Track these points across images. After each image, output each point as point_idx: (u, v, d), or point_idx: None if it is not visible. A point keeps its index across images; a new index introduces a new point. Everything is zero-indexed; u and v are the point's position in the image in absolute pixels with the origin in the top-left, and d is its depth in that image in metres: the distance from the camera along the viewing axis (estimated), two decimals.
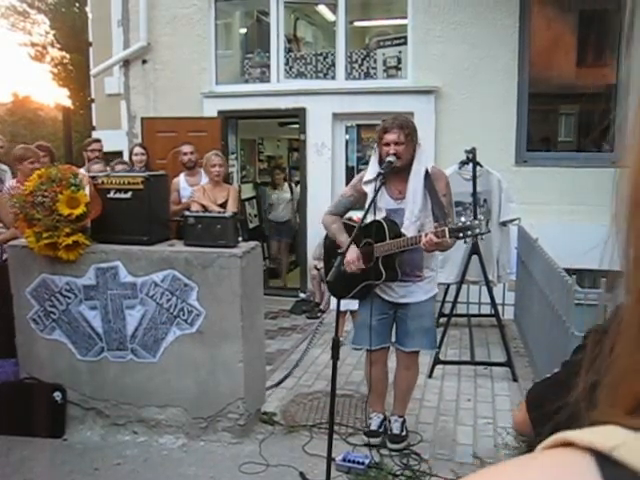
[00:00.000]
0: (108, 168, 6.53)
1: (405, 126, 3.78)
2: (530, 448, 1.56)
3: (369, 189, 3.90)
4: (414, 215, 3.83)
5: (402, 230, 3.83)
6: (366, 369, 4.21)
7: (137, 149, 7.20)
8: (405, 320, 4.02)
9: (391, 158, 3.74)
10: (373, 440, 4.18)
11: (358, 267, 3.84)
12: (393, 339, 4.20)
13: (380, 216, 3.88)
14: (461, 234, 3.54)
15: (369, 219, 3.78)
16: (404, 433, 4.20)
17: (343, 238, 3.94)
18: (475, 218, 3.57)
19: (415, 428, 4.39)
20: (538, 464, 0.45)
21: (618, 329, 0.48)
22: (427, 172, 3.86)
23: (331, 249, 4.10)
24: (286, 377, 5.36)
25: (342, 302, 3.48)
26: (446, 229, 3.53)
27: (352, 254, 3.76)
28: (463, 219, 3.57)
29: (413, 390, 4.38)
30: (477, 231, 3.54)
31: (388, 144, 3.79)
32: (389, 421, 4.27)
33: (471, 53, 7.54)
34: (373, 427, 4.26)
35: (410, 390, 4.31)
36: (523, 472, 0.45)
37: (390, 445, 4.13)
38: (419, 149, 3.88)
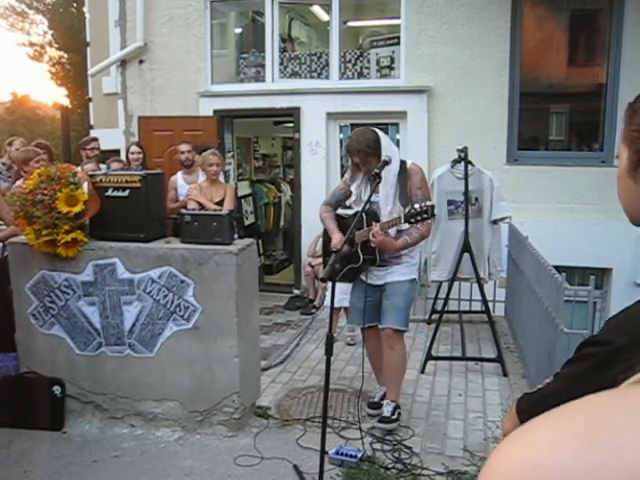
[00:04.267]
0: (103, 166, 6.59)
1: (361, 150, 4.13)
2: None
3: (353, 189, 4.34)
4: (387, 210, 4.17)
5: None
6: (365, 345, 4.61)
7: (134, 148, 7.24)
8: (383, 300, 4.33)
9: (386, 158, 4.04)
10: (373, 412, 4.56)
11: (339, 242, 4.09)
12: None
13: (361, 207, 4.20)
14: (412, 220, 3.82)
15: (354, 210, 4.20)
16: (394, 417, 4.34)
17: (331, 226, 4.37)
18: (424, 204, 3.83)
19: (407, 422, 4.45)
20: (633, 394, 0.50)
21: None
22: (405, 168, 4.20)
23: (328, 245, 4.35)
24: (276, 365, 5.54)
25: (336, 298, 3.59)
26: (402, 215, 3.87)
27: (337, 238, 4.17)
28: (416, 206, 3.82)
29: (402, 374, 4.55)
30: (425, 216, 3.80)
31: (355, 163, 4.24)
32: (381, 404, 4.48)
33: (463, 53, 7.61)
34: (376, 399, 4.67)
35: (397, 372, 4.45)
36: (620, 399, 0.50)
37: (377, 424, 4.35)
38: (384, 159, 4.10)
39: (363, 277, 4.36)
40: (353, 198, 4.35)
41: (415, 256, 4.40)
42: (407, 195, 4.14)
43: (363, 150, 4.10)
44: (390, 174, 4.11)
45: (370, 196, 3.96)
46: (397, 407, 4.40)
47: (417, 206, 3.80)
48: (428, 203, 3.81)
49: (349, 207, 4.64)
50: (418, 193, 4.15)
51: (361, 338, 4.77)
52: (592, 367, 1.12)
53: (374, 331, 4.48)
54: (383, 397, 4.62)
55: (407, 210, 3.84)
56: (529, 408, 1.27)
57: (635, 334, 1.05)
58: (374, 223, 4.04)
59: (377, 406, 4.59)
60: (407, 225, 3.94)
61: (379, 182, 4.00)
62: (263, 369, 5.23)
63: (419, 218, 3.81)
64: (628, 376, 0.57)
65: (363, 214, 4.07)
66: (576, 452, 0.44)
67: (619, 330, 1.11)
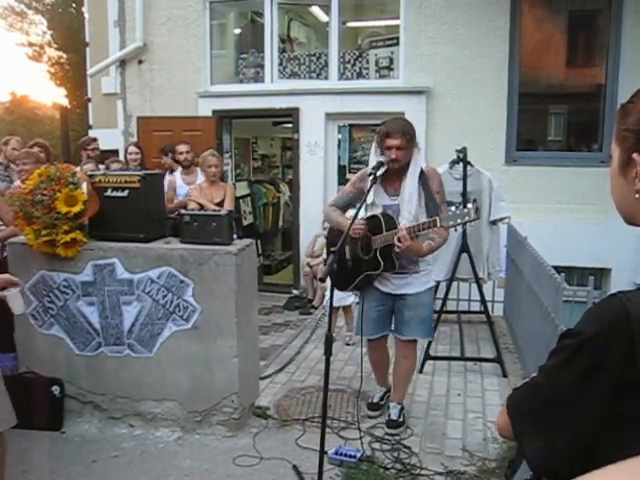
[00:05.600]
0: (102, 167, 6.60)
1: (407, 132, 3.91)
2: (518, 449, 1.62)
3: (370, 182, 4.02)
4: (411, 214, 4.00)
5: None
6: (368, 354, 4.52)
7: (132, 148, 7.25)
8: (403, 310, 4.21)
9: (382, 159, 3.92)
10: (373, 413, 4.54)
11: (361, 227, 3.97)
12: (393, 327, 4.39)
13: (377, 211, 4.08)
14: (451, 222, 3.69)
15: (361, 214, 3.93)
16: (401, 419, 4.36)
17: (342, 219, 4.18)
18: (464, 207, 3.73)
19: (406, 422, 4.44)
20: None
21: None
22: (422, 171, 4.04)
23: (331, 245, 4.22)
24: (282, 369, 5.50)
25: (335, 298, 3.57)
26: (437, 218, 3.72)
27: (355, 223, 3.79)
28: (453, 208, 3.73)
29: (411, 377, 4.58)
30: (466, 219, 3.68)
31: (390, 148, 3.91)
32: (388, 407, 4.47)
33: (462, 53, 7.63)
34: (375, 399, 4.64)
35: (408, 378, 4.49)
36: None
37: (387, 429, 4.31)
38: (417, 152, 4.02)
39: (377, 285, 4.22)
40: (369, 201, 4.04)
41: (430, 261, 4.30)
42: (434, 198, 3.99)
43: (408, 132, 3.89)
44: (414, 175, 4.00)
45: (366, 196, 3.88)
46: (402, 408, 4.43)
47: (453, 208, 3.71)
48: (470, 206, 3.66)
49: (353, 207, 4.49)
50: (437, 197, 4.02)
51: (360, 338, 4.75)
52: (566, 358, 1.16)
53: (383, 340, 4.44)
54: (382, 397, 4.65)
55: (444, 214, 3.74)
56: (516, 401, 1.29)
57: (602, 325, 1.10)
58: (399, 226, 3.88)
59: (376, 407, 4.60)
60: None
61: (375, 182, 3.90)
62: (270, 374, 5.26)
63: (459, 221, 3.68)
64: None
65: (381, 218, 4.00)
66: None
67: (590, 322, 1.15)
